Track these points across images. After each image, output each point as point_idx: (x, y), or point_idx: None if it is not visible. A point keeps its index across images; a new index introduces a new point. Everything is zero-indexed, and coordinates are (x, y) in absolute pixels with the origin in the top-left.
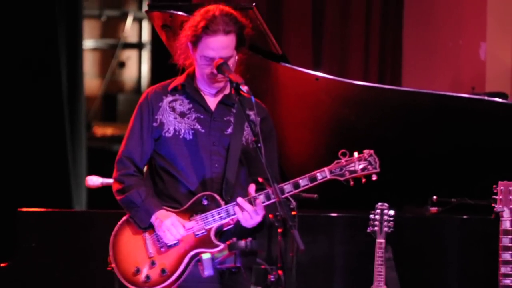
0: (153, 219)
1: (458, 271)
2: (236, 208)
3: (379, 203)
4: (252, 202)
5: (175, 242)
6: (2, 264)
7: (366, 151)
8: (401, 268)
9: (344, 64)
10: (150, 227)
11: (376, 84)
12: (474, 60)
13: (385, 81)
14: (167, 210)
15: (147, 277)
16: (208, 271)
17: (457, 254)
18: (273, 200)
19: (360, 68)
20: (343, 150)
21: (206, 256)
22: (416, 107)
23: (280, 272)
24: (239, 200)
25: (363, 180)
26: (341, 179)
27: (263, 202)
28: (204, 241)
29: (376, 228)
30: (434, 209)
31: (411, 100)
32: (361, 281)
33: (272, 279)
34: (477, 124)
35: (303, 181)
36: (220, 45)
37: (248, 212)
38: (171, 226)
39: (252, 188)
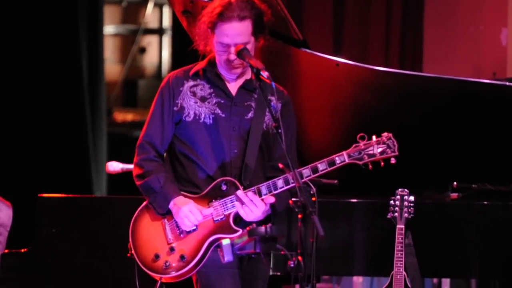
0: (171, 205)
1: (478, 257)
2: (236, 202)
3: (399, 189)
4: (256, 193)
5: (193, 228)
6: (23, 250)
7: (384, 134)
8: (421, 254)
9: (364, 50)
10: (169, 213)
11: (397, 70)
12: (495, 46)
13: (406, 66)
14: (185, 196)
15: (167, 263)
16: (227, 257)
17: (477, 240)
18: (292, 185)
19: (380, 54)
20: (362, 134)
21: (225, 242)
22: (437, 93)
23: (299, 258)
24: (239, 193)
25: (382, 163)
26: (360, 162)
27: (282, 188)
28: (223, 227)
29: (396, 214)
30: (454, 195)
31: (432, 86)
32: (381, 267)
33: (292, 265)
34: (498, 109)
35: (321, 166)
36: (235, 31)
37: (247, 206)
38: (189, 212)
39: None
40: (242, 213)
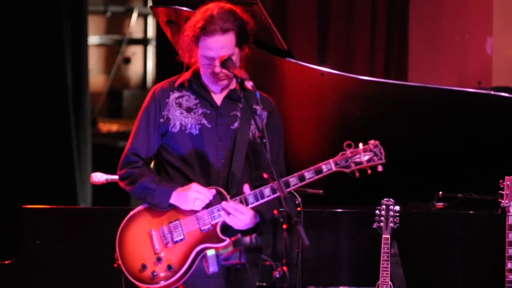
0: (173, 198)
1: (464, 267)
2: (222, 212)
3: (385, 199)
4: (243, 202)
5: (205, 204)
6: (7, 261)
7: (371, 142)
8: (406, 264)
9: (349, 59)
10: (162, 216)
11: (382, 79)
12: (480, 55)
13: (391, 76)
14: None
15: (154, 273)
16: (212, 268)
17: (463, 250)
18: (279, 194)
19: (365, 63)
20: (348, 142)
21: (210, 252)
22: (422, 102)
23: (285, 268)
24: (224, 203)
25: (369, 171)
26: (347, 170)
27: (268, 196)
28: (210, 236)
29: (381, 223)
30: (440, 205)
31: (417, 95)
32: (367, 277)
33: (277, 275)
34: (483, 118)
35: (308, 174)
36: (218, 45)
37: (233, 215)
38: (196, 192)
39: (246, 187)
40: (230, 223)
